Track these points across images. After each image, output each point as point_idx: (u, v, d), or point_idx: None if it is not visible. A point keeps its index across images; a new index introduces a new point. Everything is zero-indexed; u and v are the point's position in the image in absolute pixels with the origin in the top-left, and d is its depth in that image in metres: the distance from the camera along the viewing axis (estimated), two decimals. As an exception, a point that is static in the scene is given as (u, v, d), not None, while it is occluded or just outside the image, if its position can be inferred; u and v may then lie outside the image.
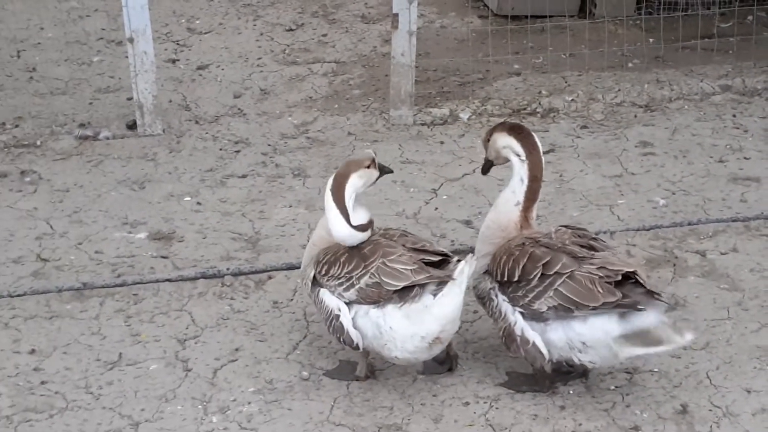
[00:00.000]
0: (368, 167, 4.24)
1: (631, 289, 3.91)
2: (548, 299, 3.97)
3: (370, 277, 4.05)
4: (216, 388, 4.31)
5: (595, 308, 3.88)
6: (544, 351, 4.04)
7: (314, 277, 4.24)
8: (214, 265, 5.11)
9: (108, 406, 4.23)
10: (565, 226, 4.25)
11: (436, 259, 4.06)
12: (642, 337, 3.88)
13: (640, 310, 3.85)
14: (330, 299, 4.17)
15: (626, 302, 3.86)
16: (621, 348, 3.91)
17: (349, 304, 4.13)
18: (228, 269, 5.04)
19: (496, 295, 4.14)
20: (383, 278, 4.03)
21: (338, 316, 4.13)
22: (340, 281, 4.14)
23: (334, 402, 4.23)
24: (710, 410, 4.16)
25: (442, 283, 3.96)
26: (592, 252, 4.03)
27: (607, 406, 4.19)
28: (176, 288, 4.93)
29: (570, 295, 3.90)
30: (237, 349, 4.53)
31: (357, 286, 4.09)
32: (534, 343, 4.04)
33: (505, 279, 4.08)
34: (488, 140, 4.39)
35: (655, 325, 3.89)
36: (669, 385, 4.28)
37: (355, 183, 4.20)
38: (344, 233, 4.18)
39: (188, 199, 5.73)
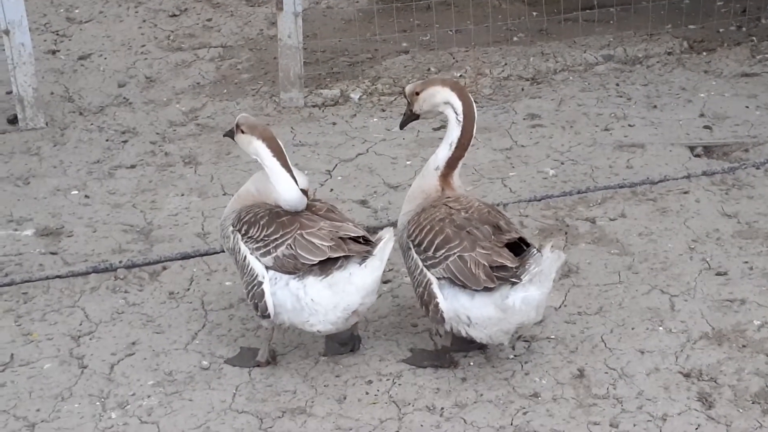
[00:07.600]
0: None
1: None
2: (441, 270, 4.08)
3: (286, 248, 4.03)
4: (114, 383, 4.22)
5: (476, 290, 4.03)
6: (444, 311, 4.10)
7: (233, 231, 4.20)
8: (105, 258, 4.99)
9: (2, 408, 4.10)
10: (483, 202, 4.31)
11: (356, 235, 4.06)
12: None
13: (514, 283, 3.99)
14: (255, 264, 4.11)
15: (501, 282, 4.00)
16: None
17: (268, 270, 4.10)
18: (120, 262, 4.93)
19: (410, 248, 4.23)
20: (299, 251, 4.02)
21: (260, 283, 4.09)
22: (257, 245, 4.10)
23: (236, 389, 4.19)
24: (606, 373, 4.26)
25: (363, 258, 3.99)
26: (499, 232, 4.13)
27: (507, 375, 4.26)
28: (67, 284, 4.80)
29: (457, 273, 4.05)
30: (134, 343, 4.44)
31: (274, 254, 4.06)
32: (437, 303, 4.10)
33: (422, 248, 4.16)
34: (418, 93, 4.37)
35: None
36: (566, 350, 4.37)
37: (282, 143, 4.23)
38: (296, 197, 4.13)
39: (75, 192, 5.58)
